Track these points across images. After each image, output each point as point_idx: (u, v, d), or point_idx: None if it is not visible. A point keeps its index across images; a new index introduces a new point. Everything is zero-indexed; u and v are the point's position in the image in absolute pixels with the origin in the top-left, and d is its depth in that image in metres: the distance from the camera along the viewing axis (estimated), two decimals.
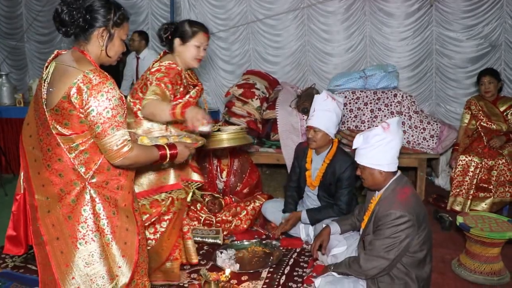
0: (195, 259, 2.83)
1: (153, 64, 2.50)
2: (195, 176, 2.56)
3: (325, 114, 3.11)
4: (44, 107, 1.66)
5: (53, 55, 1.76)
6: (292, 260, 3.06)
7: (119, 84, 5.28)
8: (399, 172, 2.34)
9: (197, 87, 2.57)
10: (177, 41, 2.49)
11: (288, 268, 2.94)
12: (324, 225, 2.84)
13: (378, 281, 2.26)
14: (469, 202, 3.78)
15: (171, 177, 2.49)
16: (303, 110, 4.32)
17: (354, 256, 2.37)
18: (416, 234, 2.16)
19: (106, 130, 1.62)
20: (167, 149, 1.88)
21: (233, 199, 3.69)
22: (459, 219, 2.89)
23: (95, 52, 1.73)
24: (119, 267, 1.76)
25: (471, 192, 3.78)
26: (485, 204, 3.74)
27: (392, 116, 4.27)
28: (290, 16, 5.48)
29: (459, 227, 2.87)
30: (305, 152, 3.38)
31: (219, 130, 3.02)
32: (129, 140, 1.67)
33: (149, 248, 2.58)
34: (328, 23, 5.40)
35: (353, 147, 2.36)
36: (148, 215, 2.50)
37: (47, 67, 1.72)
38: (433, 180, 4.79)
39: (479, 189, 3.78)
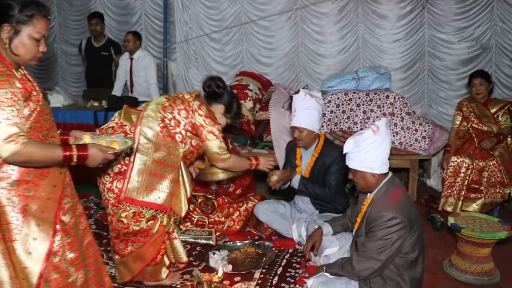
0: (184, 258, 2.82)
1: (194, 103, 2.59)
2: (183, 212, 2.61)
3: (306, 113, 3.17)
4: None
5: None
6: (284, 261, 3.06)
7: (111, 85, 5.23)
8: (390, 174, 2.35)
9: None
10: (221, 107, 2.80)
11: (280, 269, 2.95)
12: (316, 226, 2.86)
13: (370, 282, 2.27)
14: (460, 203, 3.81)
15: (163, 199, 2.49)
16: None
17: (347, 257, 2.39)
18: (408, 235, 2.17)
19: None
20: (75, 150, 1.73)
21: (226, 200, 3.69)
22: (451, 220, 2.91)
23: (3, 49, 1.70)
24: (23, 279, 1.70)
25: (463, 193, 3.81)
26: (476, 205, 3.77)
27: (385, 118, 4.30)
28: (283, 18, 5.50)
29: (451, 228, 2.90)
30: (294, 150, 3.45)
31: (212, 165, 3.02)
32: (20, 135, 1.59)
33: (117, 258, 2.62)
34: (321, 24, 5.43)
35: (344, 152, 2.35)
36: (126, 224, 2.49)
37: None
38: (425, 181, 4.82)
39: (470, 190, 3.81)
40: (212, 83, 2.77)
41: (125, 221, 2.47)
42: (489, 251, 2.81)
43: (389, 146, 2.29)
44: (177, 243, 2.76)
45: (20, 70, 1.75)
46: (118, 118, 2.58)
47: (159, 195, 2.48)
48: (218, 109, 2.79)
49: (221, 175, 2.91)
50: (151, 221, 2.51)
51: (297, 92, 3.39)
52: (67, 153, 1.71)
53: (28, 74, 1.78)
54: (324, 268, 2.41)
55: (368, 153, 2.23)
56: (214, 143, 2.62)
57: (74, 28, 6.28)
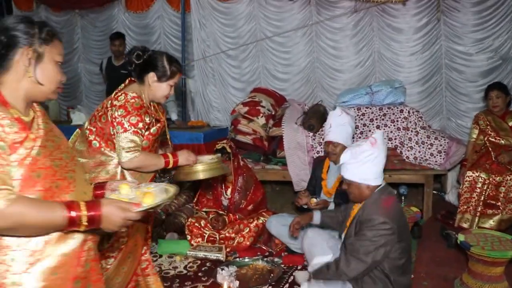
0: None
1: (117, 94, 2.36)
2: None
3: (341, 129, 3.22)
4: None
5: None
6: (292, 277, 3.06)
7: None
8: (384, 183, 2.38)
9: (159, 124, 2.45)
10: (151, 76, 2.35)
11: (287, 285, 2.95)
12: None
13: (362, 282, 2.30)
14: (477, 219, 3.71)
15: None
16: (309, 127, 4.34)
17: (333, 260, 2.40)
18: (395, 243, 2.20)
19: None
20: (84, 209, 1.23)
21: (237, 216, 3.71)
22: (461, 237, 2.84)
23: (15, 82, 1.28)
24: None
25: (479, 209, 3.71)
26: (493, 221, 3.66)
27: (399, 132, 4.25)
28: (298, 33, 5.53)
29: (460, 246, 2.83)
30: (321, 164, 3.48)
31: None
32: (1, 190, 1.13)
33: None
34: (336, 39, 5.43)
35: (340, 162, 2.39)
36: None
37: None
38: (443, 196, 4.71)
39: (487, 205, 3.71)
40: (131, 57, 2.34)
41: None
42: (501, 270, 2.72)
43: (384, 159, 2.33)
44: (151, 280, 2.56)
45: (31, 110, 1.34)
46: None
47: None
48: (151, 79, 2.35)
49: (201, 175, 2.66)
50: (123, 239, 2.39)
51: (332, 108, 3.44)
52: (72, 214, 1.20)
53: (41, 116, 1.36)
54: (311, 276, 2.45)
55: (365, 165, 2.27)
56: (122, 136, 2.25)
57: (96, 48, 6.51)
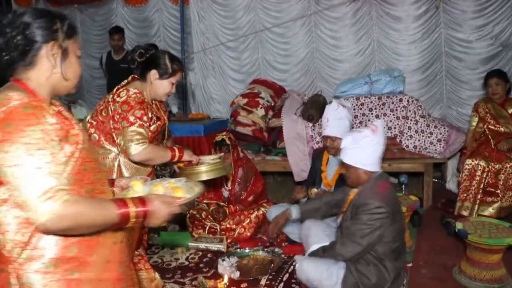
0: None
1: (118, 90, 2.39)
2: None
3: (339, 122, 3.22)
4: None
5: None
6: (292, 267, 3.09)
7: None
8: (381, 170, 2.47)
9: (159, 122, 2.48)
10: (153, 73, 2.40)
11: (287, 275, 2.98)
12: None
13: (355, 261, 2.39)
14: (476, 207, 3.72)
15: None
16: (309, 117, 4.35)
17: (329, 243, 2.52)
18: (389, 225, 2.30)
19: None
20: (132, 206, 1.24)
21: (238, 207, 3.75)
22: (458, 225, 2.86)
23: (42, 78, 1.27)
24: None
25: (479, 197, 3.72)
26: (493, 209, 3.67)
27: (398, 121, 4.26)
28: (297, 24, 5.50)
29: (458, 234, 2.85)
30: (320, 156, 3.49)
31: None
32: (59, 190, 1.11)
33: None
34: (335, 29, 5.40)
35: (341, 146, 2.45)
36: None
37: None
38: (444, 184, 4.72)
39: (487, 193, 3.71)
40: (134, 55, 2.40)
41: None
42: (499, 257, 2.74)
43: (383, 147, 2.43)
44: (143, 274, 2.49)
45: (52, 105, 1.33)
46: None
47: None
48: (153, 76, 2.41)
49: (204, 176, 2.63)
50: None
51: (329, 102, 3.45)
52: (123, 211, 1.21)
53: (64, 110, 1.37)
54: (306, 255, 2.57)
55: (364, 150, 2.36)
56: (129, 130, 2.29)
57: (96, 42, 6.51)
